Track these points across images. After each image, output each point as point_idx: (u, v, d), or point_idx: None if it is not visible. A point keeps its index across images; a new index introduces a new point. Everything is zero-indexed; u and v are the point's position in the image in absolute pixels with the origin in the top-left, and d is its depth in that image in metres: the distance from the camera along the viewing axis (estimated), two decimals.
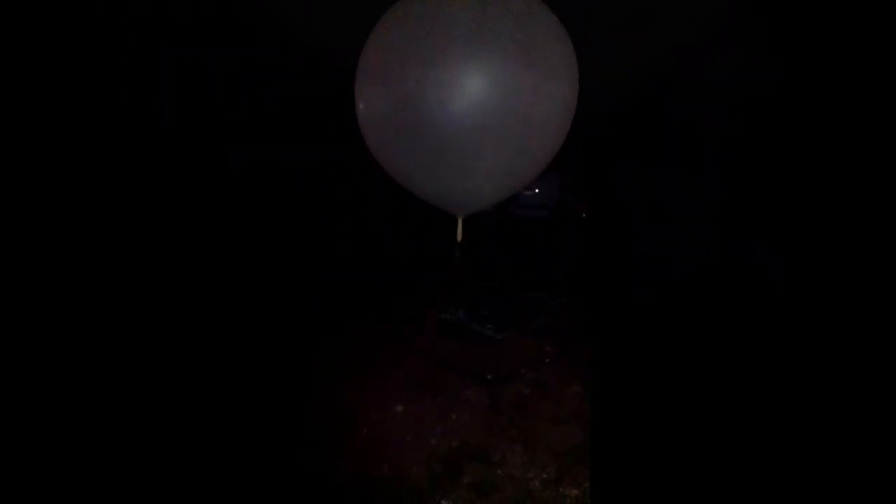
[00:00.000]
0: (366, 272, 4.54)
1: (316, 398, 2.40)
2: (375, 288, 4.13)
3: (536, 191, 7.97)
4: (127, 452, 0.88)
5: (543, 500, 1.74)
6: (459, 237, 1.63)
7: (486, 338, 2.46)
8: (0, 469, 0.74)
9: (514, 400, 2.42)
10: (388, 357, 2.85)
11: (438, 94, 1.28)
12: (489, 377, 2.53)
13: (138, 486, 0.90)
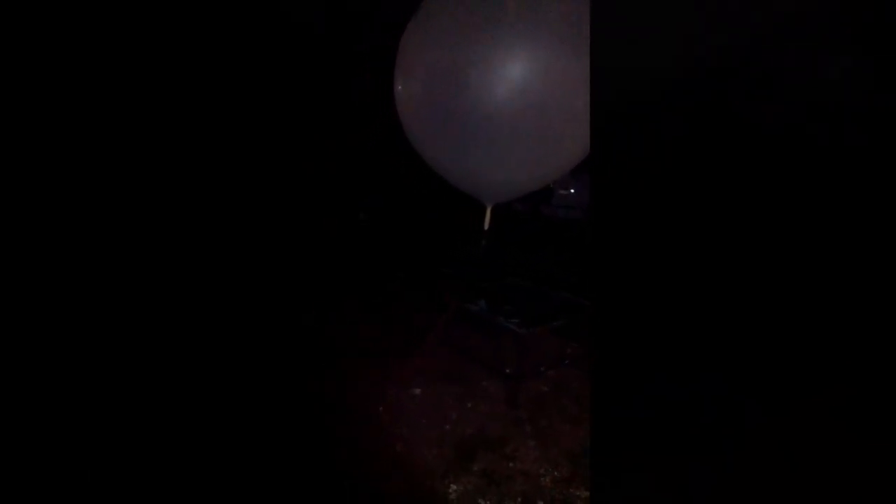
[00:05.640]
0: (396, 258, 4.63)
1: (335, 376, 2.48)
2: (404, 274, 4.21)
3: (572, 191, 7.81)
4: (144, 447, 0.93)
5: (553, 498, 1.72)
6: (487, 225, 1.63)
7: (509, 332, 2.45)
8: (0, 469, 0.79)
9: (532, 397, 2.41)
10: (410, 342, 2.89)
11: (480, 77, 1.28)
12: (509, 371, 2.52)
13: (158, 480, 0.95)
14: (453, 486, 1.73)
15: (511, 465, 1.88)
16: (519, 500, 1.70)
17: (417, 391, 2.38)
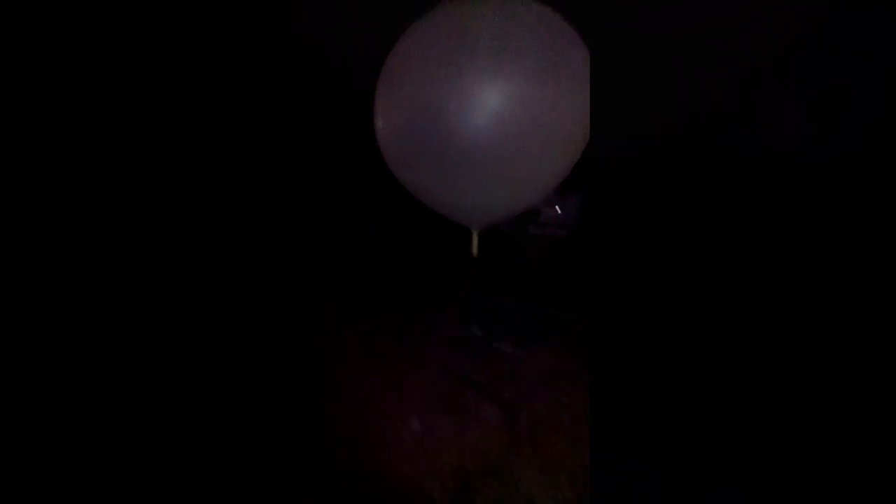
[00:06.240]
0: (384, 286, 4.57)
1: (327, 412, 2.41)
2: (394, 299, 4.16)
3: (558, 209, 7.95)
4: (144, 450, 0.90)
5: None
6: (475, 251, 1.64)
7: (503, 354, 2.43)
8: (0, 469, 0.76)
9: (531, 419, 2.37)
10: (403, 371, 2.84)
11: (459, 106, 1.31)
12: (506, 395, 2.49)
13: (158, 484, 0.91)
14: None
15: (514, 490, 1.84)
16: None
17: (416, 425, 2.33)
